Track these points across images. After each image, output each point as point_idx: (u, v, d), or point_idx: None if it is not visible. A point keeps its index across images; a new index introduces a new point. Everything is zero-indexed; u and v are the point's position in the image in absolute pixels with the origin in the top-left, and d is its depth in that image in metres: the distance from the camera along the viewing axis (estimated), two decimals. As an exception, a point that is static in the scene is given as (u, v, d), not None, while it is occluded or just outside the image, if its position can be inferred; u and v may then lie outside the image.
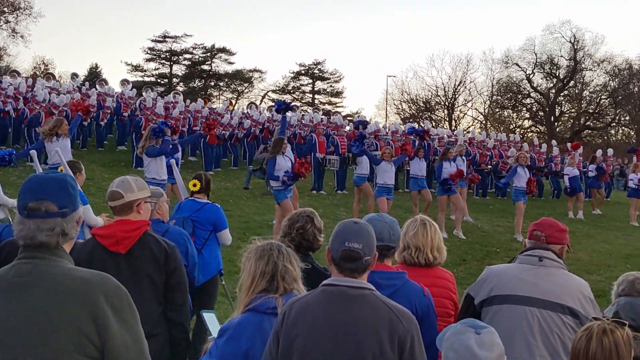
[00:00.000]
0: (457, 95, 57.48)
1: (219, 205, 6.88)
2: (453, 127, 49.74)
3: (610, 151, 25.13)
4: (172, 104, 21.79)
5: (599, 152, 24.25)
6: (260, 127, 22.82)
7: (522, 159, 14.97)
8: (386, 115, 54.44)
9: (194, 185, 6.75)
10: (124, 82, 24.61)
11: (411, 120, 48.58)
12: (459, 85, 56.98)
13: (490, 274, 3.92)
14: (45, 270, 2.40)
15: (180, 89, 51.57)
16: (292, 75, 61.54)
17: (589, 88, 55.60)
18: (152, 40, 58.28)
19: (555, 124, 56.60)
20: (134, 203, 3.98)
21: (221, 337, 3.26)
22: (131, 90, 22.93)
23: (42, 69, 50.95)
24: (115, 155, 20.86)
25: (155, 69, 59.25)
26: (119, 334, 2.37)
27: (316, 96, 61.80)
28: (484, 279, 3.93)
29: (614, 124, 56.56)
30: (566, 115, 58.18)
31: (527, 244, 4.00)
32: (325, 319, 2.89)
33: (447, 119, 56.46)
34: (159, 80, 57.38)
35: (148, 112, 19.66)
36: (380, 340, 2.83)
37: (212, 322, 3.90)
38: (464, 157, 16.20)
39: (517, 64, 55.31)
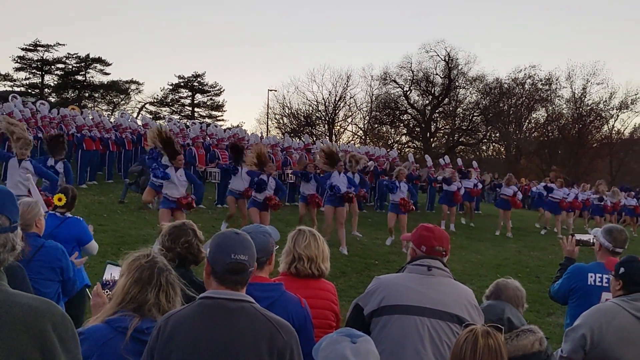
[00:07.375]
0: (337, 111, 58.55)
1: (80, 218, 6.59)
2: (334, 142, 50.42)
3: (474, 163, 26.06)
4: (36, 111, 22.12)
5: (474, 164, 25.35)
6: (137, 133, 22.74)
7: (401, 175, 15.58)
8: (267, 129, 54.68)
9: (59, 199, 6.42)
10: None
11: (292, 135, 48.86)
12: (339, 100, 58.04)
13: (381, 285, 3.89)
14: None
15: (53, 100, 49.81)
16: (170, 87, 60.76)
17: (462, 105, 58.05)
18: (22, 49, 56.33)
19: (431, 139, 58.53)
20: None
21: None
22: None
23: None
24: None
25: (26, 79, 57.16)
26: None
27: (196, 109, 61.24)
28: (374, 289, 3.89)
29: (485, 140, 59.09)
30: (441, 131, 60.32)
31: (415, 253, 4.00)
32: (202, 333, 2.79)
33: (328, 134, 57.27)
34: (29, 90, 55.14)
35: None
36: (260, 353, 2.77)
37: (109, 270, 3.90)
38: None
39: (394, 81, 56.96)
